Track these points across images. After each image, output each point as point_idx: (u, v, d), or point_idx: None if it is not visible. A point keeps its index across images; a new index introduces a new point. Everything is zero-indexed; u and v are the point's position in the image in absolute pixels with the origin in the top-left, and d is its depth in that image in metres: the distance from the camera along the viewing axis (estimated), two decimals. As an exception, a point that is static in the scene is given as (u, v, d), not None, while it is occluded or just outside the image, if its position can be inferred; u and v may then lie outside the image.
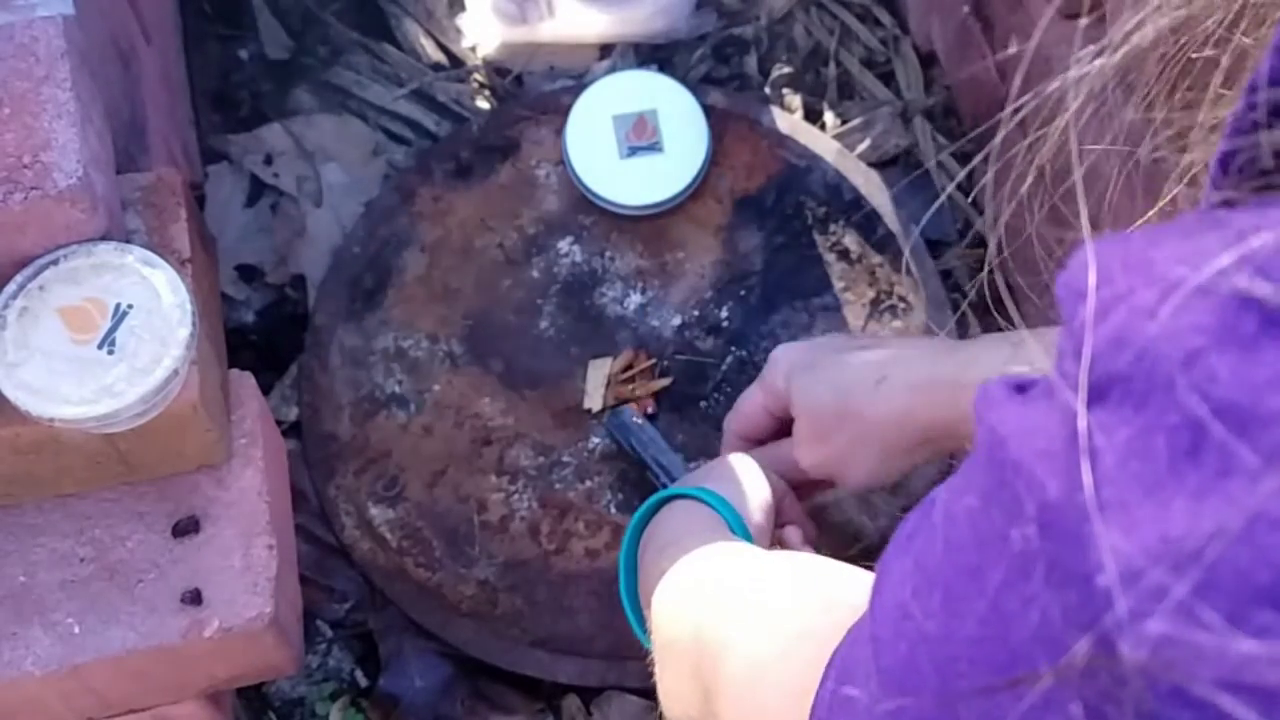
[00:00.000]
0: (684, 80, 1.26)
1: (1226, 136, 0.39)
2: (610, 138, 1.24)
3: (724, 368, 1.19)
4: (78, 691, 0.87)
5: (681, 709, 0.74)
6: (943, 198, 1.27)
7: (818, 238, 1.23)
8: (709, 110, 1.25)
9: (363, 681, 1.13)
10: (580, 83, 1.28)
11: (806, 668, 0.53)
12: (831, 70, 1.32)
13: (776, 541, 0.91)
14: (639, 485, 1.15)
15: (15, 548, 0.87)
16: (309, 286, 1.23)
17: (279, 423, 1.02)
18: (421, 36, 1.34)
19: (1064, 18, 1.03)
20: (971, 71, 1.18)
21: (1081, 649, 0.34)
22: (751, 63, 1.32)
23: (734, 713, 0.65)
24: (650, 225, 1.23)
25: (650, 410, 1.17)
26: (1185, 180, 0.45)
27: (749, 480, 0.89)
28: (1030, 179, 0.49)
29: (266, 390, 1.12)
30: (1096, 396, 0.36)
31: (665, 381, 1.18)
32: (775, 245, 1.23)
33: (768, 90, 1.30)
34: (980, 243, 1.26)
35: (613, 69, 1.29)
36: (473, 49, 1.33)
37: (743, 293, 1.21)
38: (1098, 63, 0.45)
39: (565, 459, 1.16)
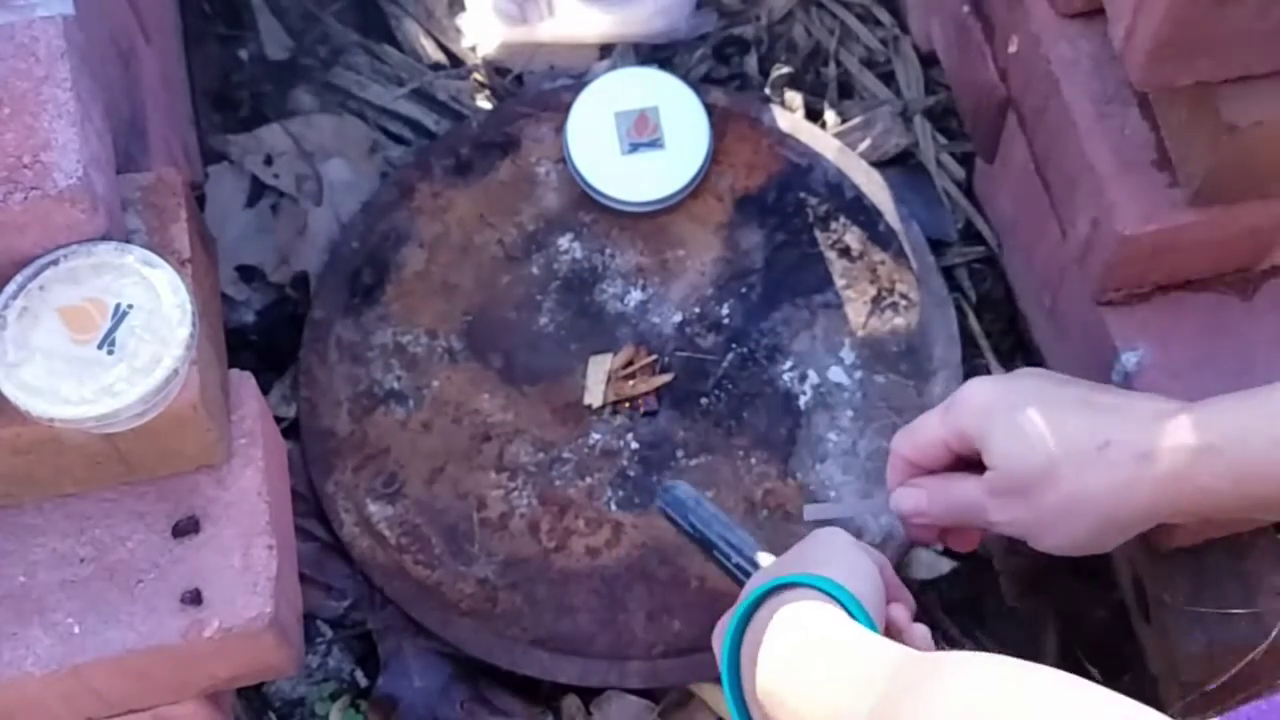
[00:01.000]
0: (684, 80, 1.26)
1: None
2: (612, 134, 1.24)
3: (725, 365, 1.19)
4: (78, 691, 0.87)
5: None
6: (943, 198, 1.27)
7: (819, 235, 1.23)
8: (710, 109, 1.25)
9: (363, 682, 1.13)
10: (580, 82, 1.28)
11: None
12: (831, 70, 1.32)
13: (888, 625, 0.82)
14: (641, 482, 1.15)
15: (15, 548, 0.87)
16: (311, 285, 1.23)
17: (278, 421, 1.03)
18: (421, 36, 1.34)
19: (1063, 17, 1.04)
20: (971, 71, 1.18)
21: None
22: (751, 63, 1.32)
23: None
24: (651, 223, 1.24)
25: (651, 406, 1.17)
26: None
27: (855, 561, 0.81)
28: None
29: (266, 390, 1.12)
30: None
31: (666, 378, 1.18)
32: (776, 243, 1.23)
33: (768, 90, 1.30)
34: (980, 240, 1.26)
35: (613, 69, 1.29)
36: (473, 49, 1.33)
37: (744, 290, 1.22)
38: None
39: (565, 455, 1.16)
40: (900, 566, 1.15)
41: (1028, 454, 0.83)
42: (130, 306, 0.80)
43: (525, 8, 1.31)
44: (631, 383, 1.18)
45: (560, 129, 1.25)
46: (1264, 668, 1.00)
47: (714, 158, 1.24)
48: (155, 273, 0.81)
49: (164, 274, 0.81)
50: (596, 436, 1.17)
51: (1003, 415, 0.85)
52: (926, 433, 0.89)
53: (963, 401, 0.87)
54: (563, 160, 1.25)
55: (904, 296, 1.21)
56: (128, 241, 0.83)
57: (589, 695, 1.12)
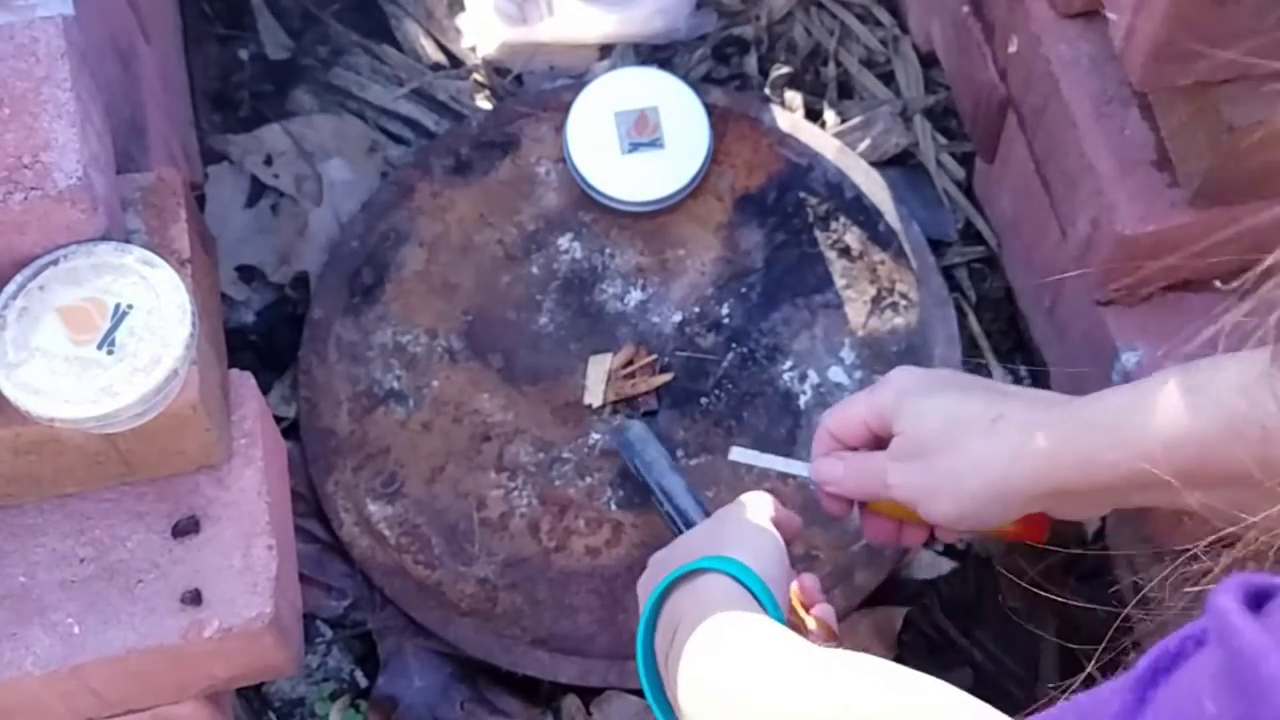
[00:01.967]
0: (684, 80, 1.26)
1: None
2: (612, 133, 1.24)
3: (724, 364, 1.19)
4: (78, 691, 0.87)
5: None
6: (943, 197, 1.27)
7: (819, 235, 1.23)
8: (710, 109, 1.25)
9: (362, 682, 1.13)
10: (580, 82, 1.28)
11: None
12: (831, 70, 1.32)
13: (809, 621, 0.90)
14: (640, 483, 1.14)
15: (15, 548, 0.87)
16: (311, 285, 1.23)
17: (278, 421, 1.03)
18: (421, 37, 1.34)
19: (1063, 17, 1.04)
20: (971, 71, 1.18)
21: None
22: (751, 63, 1.32)
23: None
24: (651, 222, 1.24)
25: (651, 406, 1.17)
26: None
27: (761, 542, 0.87)
28: None
29: (266, 390, 1.13)
30: None
31: (666, 377, 1.18)
32: (776, 243, 1.23)
33: (768, 90, 1.30)
34: (980, 240, 1.26)
35: (612, 69, 1.29)
36: (473, 49, 1.33)
37: (743, 290, 1.22)
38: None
39: (565, 455, 1.16)
40: (901, 566, 1.15)
41: (930, 419, 0.90)
42: (130, 307, 0.80)
43: (525, 8, 1.31)
44: (631, 382, 1.18)
45: (560, 129, 1.25)
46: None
47: (714, 158, 1.24)
48: (155, 273, 0.81)
49: (164, 274, 0.81)
50: (596, 436, 1.17)
51: (918, 393, 0.92)
52: (850, 411, 0.96)
53: (885, 383, 0.94)
54: (563, 160, 1.25)
55: (904, 296, 1.21)
56: (128, 241, 0.83)
57: (589, 695, 1.12)
